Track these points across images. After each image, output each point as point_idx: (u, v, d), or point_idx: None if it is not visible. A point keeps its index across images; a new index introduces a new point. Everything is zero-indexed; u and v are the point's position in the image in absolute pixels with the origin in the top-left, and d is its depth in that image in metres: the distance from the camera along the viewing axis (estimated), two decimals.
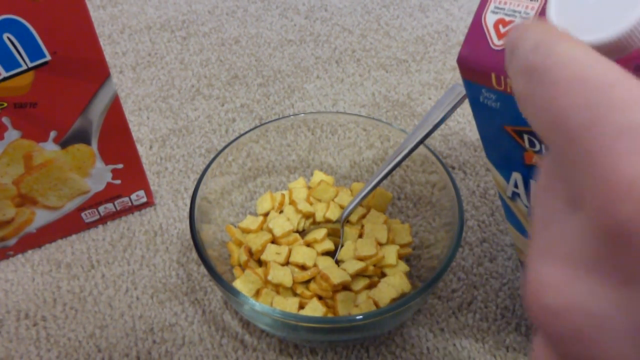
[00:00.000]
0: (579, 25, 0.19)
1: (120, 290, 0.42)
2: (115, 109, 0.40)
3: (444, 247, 0.37)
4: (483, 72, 0.26)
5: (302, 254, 0.39)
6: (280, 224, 0.41)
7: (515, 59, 0.16)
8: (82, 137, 0.40)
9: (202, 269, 0.44)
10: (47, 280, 0.43)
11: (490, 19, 0.26)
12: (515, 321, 0.40)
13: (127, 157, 0.44)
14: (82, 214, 0.45)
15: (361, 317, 0.32)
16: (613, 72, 0.13)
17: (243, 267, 0.40)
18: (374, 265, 0.39)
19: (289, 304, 0.37)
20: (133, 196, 0.47)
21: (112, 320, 0.40)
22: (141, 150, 0.54)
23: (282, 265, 0.39)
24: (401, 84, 0.62)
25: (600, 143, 0.12)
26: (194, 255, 0.45)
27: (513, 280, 0.43)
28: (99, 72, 0.37)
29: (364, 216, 0.43)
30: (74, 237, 0.46)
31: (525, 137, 0.27)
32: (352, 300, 0.38)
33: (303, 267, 0.39)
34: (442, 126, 0.56)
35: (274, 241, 0.41)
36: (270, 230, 0.41)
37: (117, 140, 0.42)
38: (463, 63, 0.27)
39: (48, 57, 0.35)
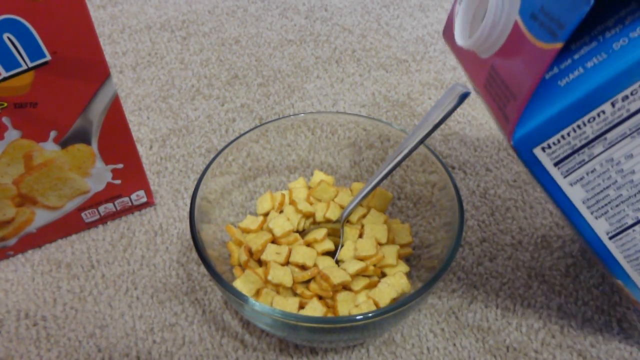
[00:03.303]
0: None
1: (120, 290, 0.42)
2: (115, 109, 0.40)
3: (444, 247, 0.37)
4: None
5: (302, 254, 0.39)
6: (280, 224, 0.41)
7: None
8: (82, 137, 0.40)
9: (202, 269, 0.44)
10: (47, 280, 0.43)
11: None
12: (515, 321, 0.40)
13: (127, 157, 0.44)
14: (82, 214, 0.45)
15: (361, 317, 0.32)
16: None
17: (243, 267, 0.40)
18: (374, 265, 0.39)
19: (289, 304, 0.37)
20: (133, 196, 0.47)
21: (112, 320, 0.40)
22: (141, 150, 0.54)
23: (282, 265, 0.39)
24: (401, 84, 0.62)
25: None
26: (194, 255, 0.45)
27: (513, 280, 0.43)
28: (99, 72, 0.37)
29: (364, 216, 0.43)
30: (74, 237, 0.46)
31: None
32: (352, 300, 0.37)
33: (303, 267, 0.39)
34: (442, 126, 0.56)
35: (274, 241, 0.41)
36: (270, 230, 0.41)
37: (117, 140, 0.42)
38: None
39: (48, 57, 0.35)
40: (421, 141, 0.38)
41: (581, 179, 0.27)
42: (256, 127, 0.44)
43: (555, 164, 0.27)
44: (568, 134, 0.25)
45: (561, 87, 0.24)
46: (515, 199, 0.49)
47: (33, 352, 0.39)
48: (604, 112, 0.24)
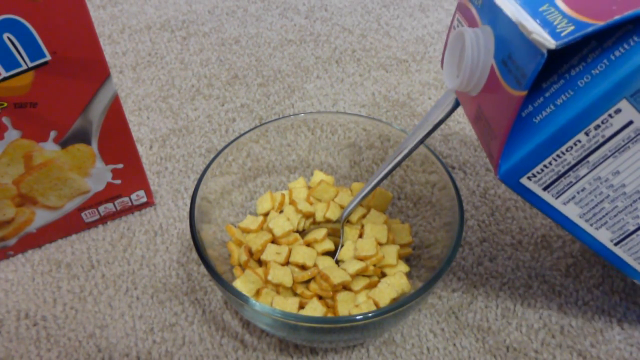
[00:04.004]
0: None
1: (120, 290, 0.42)
2: (115, 109, 0.40)
3: (444, 247, 0.37)
4: None
5: (302, 254, 0.39)
6: (280, 224, 0.41)
7: None
8: (82, 137, 0.40)
9: (202, 269, 0.44)
10: (47, 280, 0.43)
11: None
12: (515, 321, 0.40)
13: (127, 157, 0.44)
14: (82, 214, 0.45)
15: (361, 317, 0.32)
16: None
17: (243, 267, 0.40)
18: (374, 265, 0.39)
19: (289, 304, 0.37)
20: (133, 196, 0.47)
21: (112, 320, 0.40)
22: (141, 150, 0.54)
23: (282, 265, 0.39)
24: (401, 84, 0.62)
25: None
26: (194, 255, 0.45)
27: (513, 279, 0.43)
28: (99, 72, 0.37)
29: (364, 216, 0.43)
30: (74, 237, 0.46)
31: None
32: (352, 300, 0.37)
33: (303, 267, 0.39)
34: (442, 126, 0.56)
35: (274, 241, 0.41)
36: (270, 230, 0.41)
37: (117, 140, 0.42)
38: None
39: (48, 57, 0.35)
40: (421, 141, 0.38)
41: (573, 197, 0.29)
42: (256, 127, 0.44)
43: (544, 189, 0.28)
44: (550, 163, 0.27)
45: (536, 123, 0.26)
46: (515, 199, 0.49)
47: (33, 352, 0.39)
48: (579, 141, 0.26)
